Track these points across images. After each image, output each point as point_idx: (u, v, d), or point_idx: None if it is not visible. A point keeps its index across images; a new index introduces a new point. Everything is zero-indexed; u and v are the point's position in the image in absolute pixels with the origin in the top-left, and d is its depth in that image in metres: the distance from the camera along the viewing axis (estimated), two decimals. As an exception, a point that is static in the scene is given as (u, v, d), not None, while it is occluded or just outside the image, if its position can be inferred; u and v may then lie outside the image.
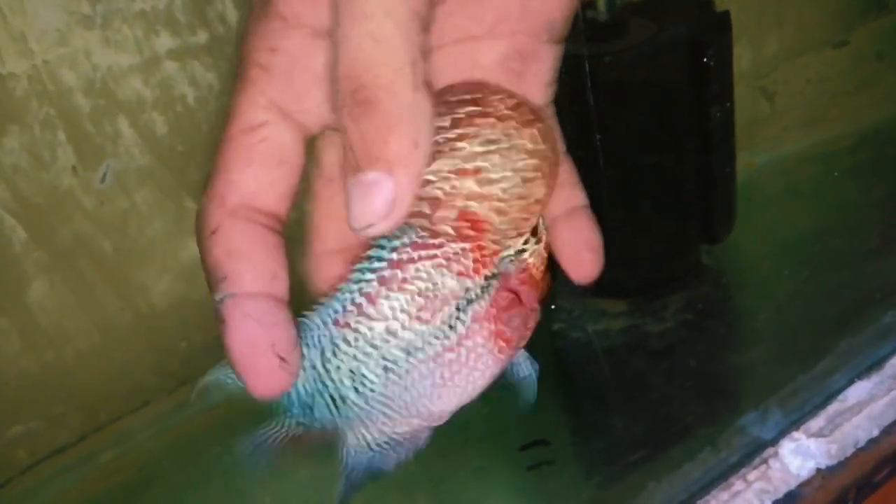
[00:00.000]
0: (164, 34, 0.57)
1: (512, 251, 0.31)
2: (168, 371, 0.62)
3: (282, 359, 0.28)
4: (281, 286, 0.29)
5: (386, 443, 0.33)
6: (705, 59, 0.55)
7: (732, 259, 0.67)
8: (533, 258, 0.32)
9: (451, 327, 0.30)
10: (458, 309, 0.30)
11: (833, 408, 0.49)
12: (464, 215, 0.29)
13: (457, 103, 0.30)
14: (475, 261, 0.30)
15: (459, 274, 0.30)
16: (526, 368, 0.34)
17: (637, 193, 0.60)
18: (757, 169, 0.74)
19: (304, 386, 0.31)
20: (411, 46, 0.26)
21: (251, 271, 0.28)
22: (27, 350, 0.57)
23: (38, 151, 0.55)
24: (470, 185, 0.29)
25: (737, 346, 0.59)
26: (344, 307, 0.30)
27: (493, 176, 0.29)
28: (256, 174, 0.29)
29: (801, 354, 0.54)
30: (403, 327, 0.29)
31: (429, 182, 0.29)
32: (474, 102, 0.29)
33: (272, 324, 0.28)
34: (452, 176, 0.29)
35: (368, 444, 0.33)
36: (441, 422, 0.33)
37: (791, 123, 0.78)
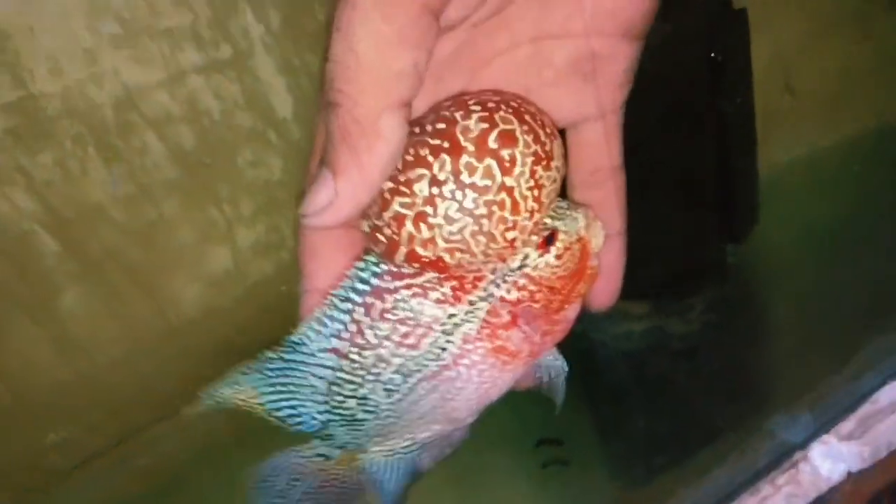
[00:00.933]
0: (188, 50, 0.56)
1: (501, 273, 0.30)
2: (199, 378, 0.61)
3: None
4: None
5: (412, 446, 0.33)
6: (715, 56, 0.53)
7: (758, 257, 0.65)
8: (539, 271, 0.30)
9: (442, 349, 0.30)
10: (444, 333, 0.30)
11: (864, 410, 0.46)
12: (412, 257, 0.28)
13: (418, 135, 0.28)
14: (454, 289, 0.30)
15: (439, 301, 0.30)
16: (553, 371, 0.33)
17: (656, 193, 0.57)
18: (780, 165, 0.71)
19: (317, 415, 0.31)
20: (387, 73, 0.26)
21: (324, 270, 0.31)
22: (60, 359, 0.57)
23: (69, 167, 0.55)
24: (410, 230, 0.28)
25: (764, 347, 0.57)
26: (338, 334, 0.30)
27: (435, 221, 0.28)
28: None
29: (830, 354, 0.51)
30: (392, 354, 0.30)
31: (376, 226, 0.29)
32: (436, 134, 0.28)
33: None
34: (393, 223, 0.28)
35: (394, 450, 0.33)
36: (466, 423, 0.33)
37: (813, 117, 0.75)
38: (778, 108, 0.75)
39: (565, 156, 0.30)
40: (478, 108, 0.28)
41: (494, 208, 0.28)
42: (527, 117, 0.29)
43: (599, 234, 0.32)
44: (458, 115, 0.28)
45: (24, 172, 0.53)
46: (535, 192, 0.28)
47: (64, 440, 0.58)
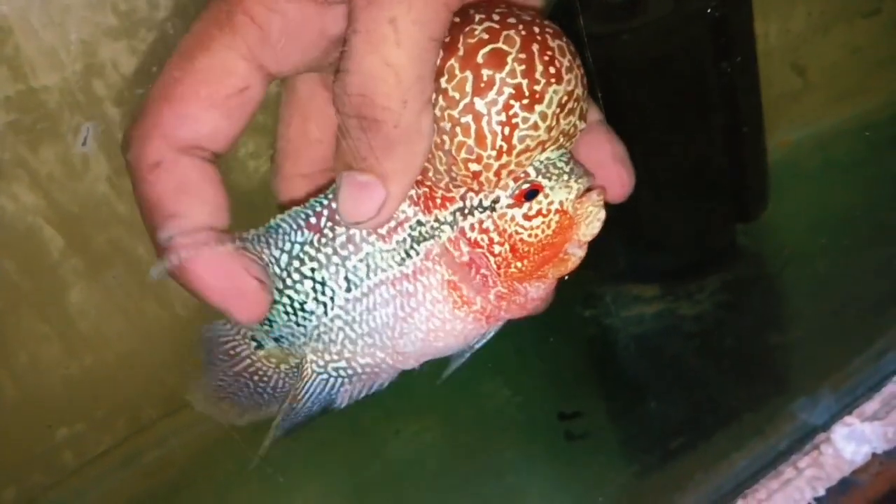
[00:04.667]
0: (187, 40, 0.54)
1: (469, 205, 0.28)
2: (207, 371, 0.59)
3: (260, 280, 0.27)
4: (225, 218, 0.28)
5: (345, 370, 0.31)
6: (712, 11, 0.50)
7: (771, 238, 0.61)
8: (506, 223, 0.27)
9: (406, 255, 0.29)
10: (411, 239, 0.28)
11: (889, 389, 0.43)
12: None
13: None
14: (425, 196, 0.28)
15: (411, 200, 0.28)
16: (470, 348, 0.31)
17: (664, 173, 0.54)
18: (792, 146, 0.67)
19: None
20: (422, 74, 0.25)
21: (204, 207, 0.27)
22: (69, 355, 0.55)
23: (71, 161, 0.53)
24: None
25: (780, 328, 0.54)
26: (315, 212, 0.28)
27: None
28: (217, 119, 0.27)
29: (851, 334, 0.48)
30: (362, 239, 0.28)
31: None
32: (451, 26, 0.26)
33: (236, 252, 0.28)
34: None
35: (326, 367, 0.31)
36: (405, 365, 0.31)
37: (825, 97, 0.71)
38: (788, 90, 0.71)
39: (581, 116, 0.27)
40: (497, 17, 0.26)
41: (458, 129, 0.25)
42: (534, 47, 0.25)
43: (594, 222, 0.28)
44: (477, 16, 0.26)
45: (27, 167, 0.51)
46: (506, 130, 0.25)
47: (74, 436, 0.56)
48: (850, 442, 0.41)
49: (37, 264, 0.53)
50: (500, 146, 0.26)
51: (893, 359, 0.44)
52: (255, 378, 0.33)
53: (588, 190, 0.28)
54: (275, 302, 0.29)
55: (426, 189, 0.28)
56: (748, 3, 0.52)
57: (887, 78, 0.70)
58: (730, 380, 0.49)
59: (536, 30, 0.26)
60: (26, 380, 0.54)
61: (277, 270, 0.29)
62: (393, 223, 0.28)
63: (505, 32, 0.25)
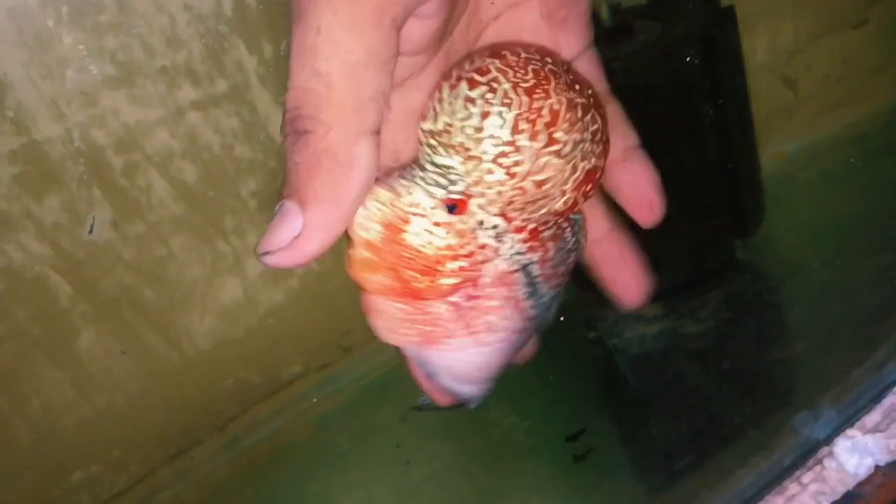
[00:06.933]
0: (185, 86, 0.56)
1: None
2: (216, 408, 0.61)
3: None
4: None
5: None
6: (691, 59, 0.52)
7: (770, 251, 0.63)
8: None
9: None
10: None
11: (889, 401, 0.44)
12: None
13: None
14: None
15: None
16: None
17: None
18: (786, 158, 0.69)
19: None
20: (358, 90, 0.24)
21: None
22: (81, 398, 0.56)
23: (76, 209, 0.55)
24: None
25: (781, 342, 0.55)
26: None
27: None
28: None
29: (850, 346, 0.49)
30: None
31: None
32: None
33: None
34: None
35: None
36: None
37: (817, 108, 0.73)
38: (780, 103, 0.73)
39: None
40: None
41: None
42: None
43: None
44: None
45: (33, 217, 0.53)
46: None
47: (90, 477, 0.58)
48: (853, 455, 0.42)
49: (46, 311, 0.55)
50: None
51: (894, 369, 0.46)
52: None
53: None
54: None
55: None
56: (734, 25, 0.54)
57: (878, 87, 0.72)
58: (733, 396, 0.50)
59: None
60: (40, 424, 0.56)
61: None
62: None
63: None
